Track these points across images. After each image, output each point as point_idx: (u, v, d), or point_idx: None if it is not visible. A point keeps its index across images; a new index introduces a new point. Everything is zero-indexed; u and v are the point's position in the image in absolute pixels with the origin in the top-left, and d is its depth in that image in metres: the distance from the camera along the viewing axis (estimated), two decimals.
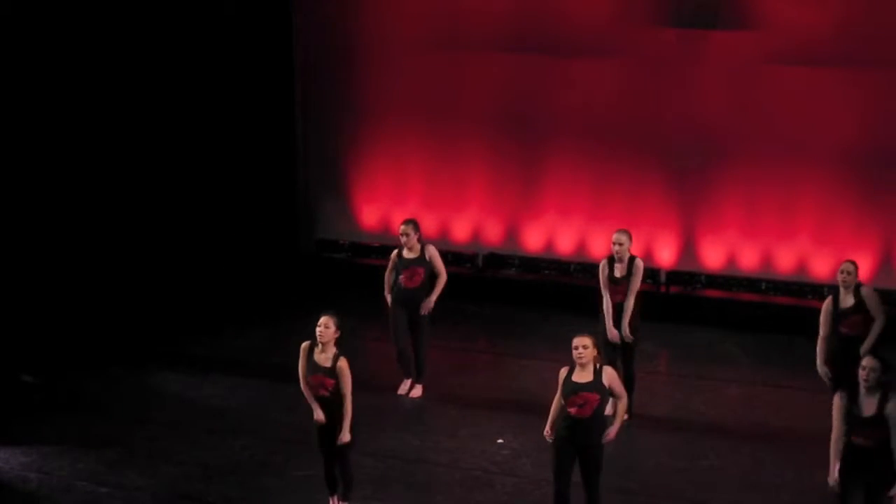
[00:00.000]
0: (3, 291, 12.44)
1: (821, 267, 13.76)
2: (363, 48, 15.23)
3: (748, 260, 14.08)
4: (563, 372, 8.66)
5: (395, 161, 15.24)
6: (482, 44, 14.61)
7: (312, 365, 8.98)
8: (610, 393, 8.60)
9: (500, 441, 10.68)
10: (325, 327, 8.94)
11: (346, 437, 8.91)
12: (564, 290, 14.48)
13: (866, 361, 8.00)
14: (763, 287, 13.99)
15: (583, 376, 8.52)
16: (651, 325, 12.49)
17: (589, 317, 13.84)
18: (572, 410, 8.47)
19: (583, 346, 8.51)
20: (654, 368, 12.48)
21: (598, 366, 8.56)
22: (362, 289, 14.97)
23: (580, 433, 8.51)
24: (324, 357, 8.95)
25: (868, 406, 7.98)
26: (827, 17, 13.30)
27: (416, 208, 15.20)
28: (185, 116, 14.62)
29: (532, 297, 14.45)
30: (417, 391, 11.81)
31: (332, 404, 8.93)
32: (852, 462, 8.09)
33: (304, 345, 9.08)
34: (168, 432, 10.91)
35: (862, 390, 8.01)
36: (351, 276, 15.28)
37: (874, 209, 13.43)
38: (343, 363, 8.93)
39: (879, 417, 7.93)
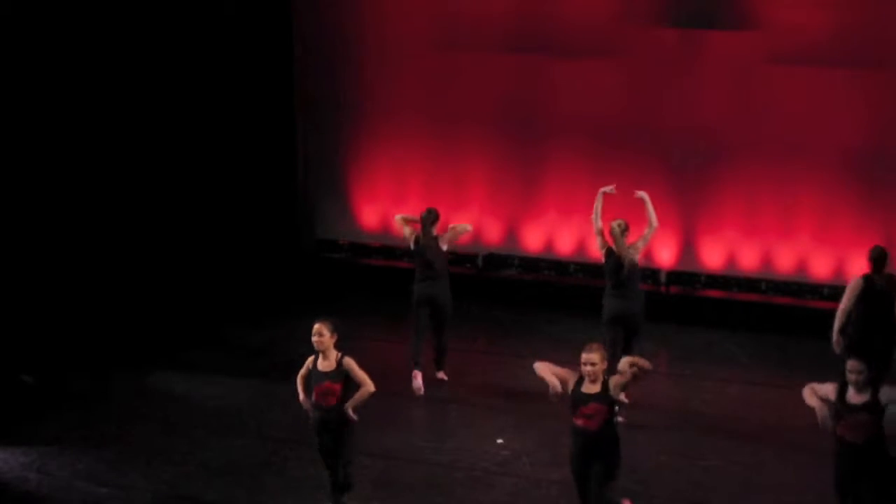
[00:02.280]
0: (3, 292, 12.44)
1: (821, 267, 13.76)
2: (363, 48, 15.23)
3: (748, 260, 14.08)
4: (571, 377, 8.43)
5: (395, 161, 15.24)
6: (482, 44, 14.61)
7: (317, 374, 8.88)
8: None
9: (499, 441, 10.67)
10: (320, 335, 8.84)
11: (351, 413, 8.82)
12: (564, 290, 14.48)
13: (851, 364, 7.89)
14: (763, 287, 13.98)
15: (592, 387, 8.34)
16: (651, 325, 12.49)
17: (589, 316, 13.89)
18: (580, 422, 8.32)
19: (591, 362, 8.27)
20: (654, 368, 12.44)
21: (605, 377, 8.39)
22: (362, 289, 14.99)
23: (591, 446, 8.35)
24: (327, 364, 8.88)
25: (857, 396, 7.92)
26: (827, 17, 13.30)
27: (416, 208, 15.18)
28: (185, 117, 14.62)
29: (532, 297, 14.45)
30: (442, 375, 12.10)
31: (335, 413, 8.86)
32: (845, 464, 8.00)
33: (309, 359, 9.00)
34: (168, 432, 10.91)
35: (851, 390, 7.96)
36: (351, 276, 15.29)
37: (874, 209, 13.43)
38: (349, 360, 8.86)
39: (874, 404, 7.84)
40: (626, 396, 10.79)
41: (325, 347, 8.86)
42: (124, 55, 13.92)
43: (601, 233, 11.30)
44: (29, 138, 12.98)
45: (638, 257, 11.19)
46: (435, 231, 11.79)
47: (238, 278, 14.82)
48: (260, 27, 15.07)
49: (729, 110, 13.83)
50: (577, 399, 8.33)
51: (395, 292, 14.82)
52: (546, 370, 8.51)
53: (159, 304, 14.05)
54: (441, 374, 12.13)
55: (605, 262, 11.27)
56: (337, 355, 8.90)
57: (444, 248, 11.78)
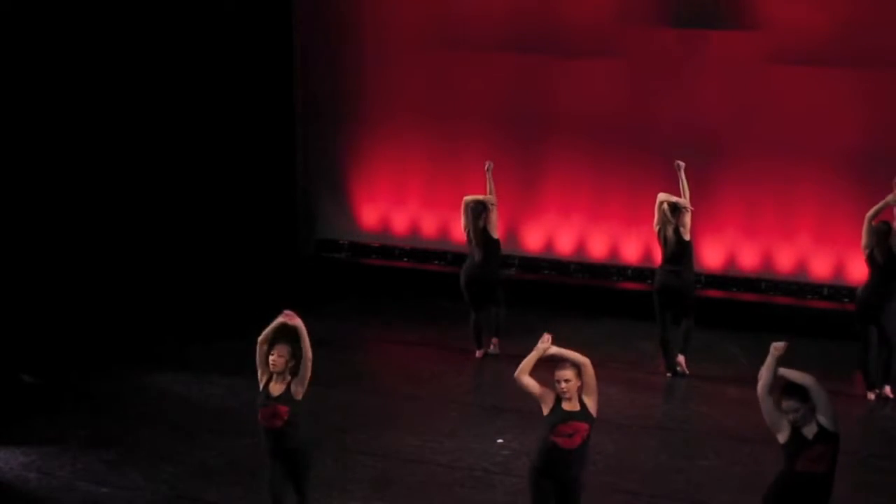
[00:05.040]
0: (3, 291, 12.44)
1: (821, 267, 13.76)
2: (363, 48, 15.24)
3: (748, 260, 14.08)
4: (550, 395, 8.22)
5: (395, 161, 15.25)
6: (482, 44, 14.62)
7: (266, 396, 8.57)
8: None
9: (499, 441, 10.67)
10: (279, 356, 8.53)
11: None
12: (564, 290, 14.48)
13: (786, 405, 7.51)
14: (763, 287, 13.99)
15: (570, 405, 8.11)
16: (651, 325, 12.49)
17: (588, 317, 13.90)
18: (559, 441, 8.05)
19: (565, 379, 8.06)
20: (654, 368, 12.48)
21: (581, 396, 8.13)
22: (362, 289, 15.00)
23: (563, 465, 8.11)
24: (278, 387, 8.55)
25: (809, 430, 7.55)
26: (827, 16, 13.31)
27: (416, 208, 15.21)
28: (185, 116, 14.62)
29: (532, 297, 14.45)
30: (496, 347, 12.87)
31: (286, 436, 8.54)
32: (802, 495, 7.60)
33: (264, 377, 8.66)
34: (168, 432, 10.91)
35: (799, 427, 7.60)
36: (351, 276, 15.29)
37: None
38: (296, 384, 8.51)
39: (824, 432, 7.51)
40: (686, 365, 12.23)
41: (280, 370, 8.55)
42: (124, 55, 13.93)
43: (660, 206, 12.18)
44: (29, 138, 12.98)
45: (687, 235, 12.01)
46: (482, 221, 12.45)
47: (238, 278, 14.82)
48: (260, 27, 15.07)
49: (729, 110, 13.84)
50: (557, 417, 8.08)
51: (395, 292, 14.88)
52: (529, 380, 8.36)
53: (159, 303, 14.05)
54: (494, 341, 12.85)
55: (658, 236, 12.15)
56: (288, 380, 8.56)
57: (494, 235, 12.54)
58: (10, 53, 12.72)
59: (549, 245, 14.81)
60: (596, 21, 14.18)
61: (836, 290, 13.70)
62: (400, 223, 15.36)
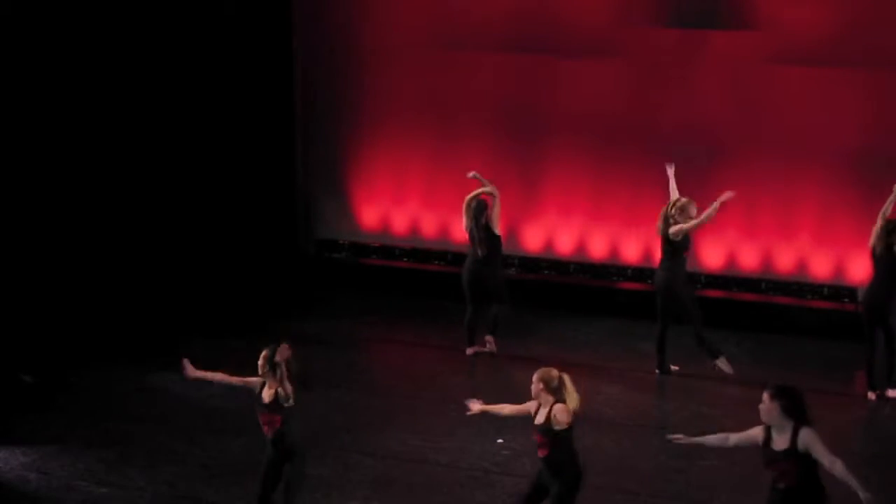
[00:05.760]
0: (2, 291, 12.44)
1: (821, 267, 13.76)
2: (363, 48, 15.24)
3: (748, 260, 14.08)
4: (533, 406, 8.34)
5: (395, 161, 15.24)
6: (482, 44, 14.62)
7: (259, 403, 8.63)
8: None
9: (500, 441, 10.67)
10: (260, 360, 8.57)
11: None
12: (564, 290, 14.47)
13: (764, 396, 7.46)
14: (763, 287, 13.98)
15: (539, 416, 8.24)
16: (651, 325, 12.49)
17: (588, 317, 13.90)
18: (537, 447, 8.28)
19: (532, 381, 8.24)
20: (654, 368, 12.47)
21: (551, 407, 8.15)
22: (362, 289, 14.99)
23: (544, 471, 8.27)
24: (269, 394, 8.58)
25: (780, 441, 7.47)
26: (828, 17, 13.31)
27: (416, 208, 15.21)
28: (185, 116, 14.62)
29: (532, 297, 14.44)
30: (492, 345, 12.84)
31: (281, 442, 8.59)
32: None
33: (258, 381, 8.69)
34: (168, 432, 10.91)
35: (775, 434, 7.48)
36: (351, 276, 15.28)
37: (874, 209, 13.33)
38: (283, 394, 8.46)
39: (793, 451, 7.39)
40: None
41: (260, 374, 8.58)
42: (124, 55, 13.93)
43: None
44: (29, 138, 12.99)
45: (674, 231, 11.98)
46: (484, 219, 12.47)
47: (238, 278, 14.82)
48: (260, 27, 15.08)
49: (729, 110, 13.84)
50: (535, 426, 8.25)
51: (395, 292, 14.88)
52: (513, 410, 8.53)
53: (159, 303, 14.04)
54: (489, 338, 12.80)
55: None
56: (275, 387, 8.54)
57: (496, 231, 12.57)
58: (10, 55, 12.72)
59: (548, 245, 14.80)
60: (596, 21, 14.17)
61: (836, 290, 13.70)
62: (400, 223, 15.36)
